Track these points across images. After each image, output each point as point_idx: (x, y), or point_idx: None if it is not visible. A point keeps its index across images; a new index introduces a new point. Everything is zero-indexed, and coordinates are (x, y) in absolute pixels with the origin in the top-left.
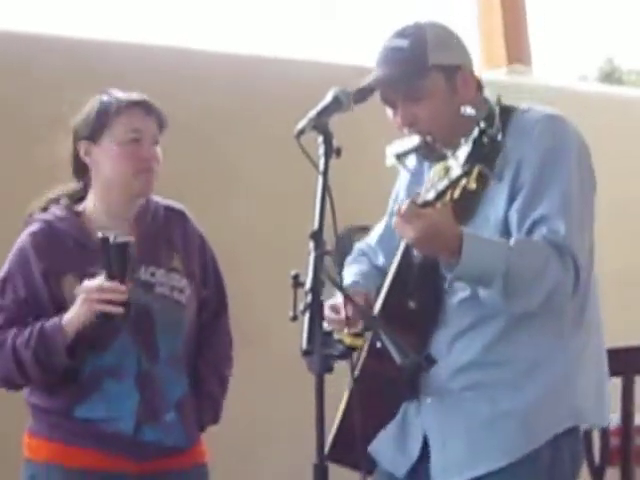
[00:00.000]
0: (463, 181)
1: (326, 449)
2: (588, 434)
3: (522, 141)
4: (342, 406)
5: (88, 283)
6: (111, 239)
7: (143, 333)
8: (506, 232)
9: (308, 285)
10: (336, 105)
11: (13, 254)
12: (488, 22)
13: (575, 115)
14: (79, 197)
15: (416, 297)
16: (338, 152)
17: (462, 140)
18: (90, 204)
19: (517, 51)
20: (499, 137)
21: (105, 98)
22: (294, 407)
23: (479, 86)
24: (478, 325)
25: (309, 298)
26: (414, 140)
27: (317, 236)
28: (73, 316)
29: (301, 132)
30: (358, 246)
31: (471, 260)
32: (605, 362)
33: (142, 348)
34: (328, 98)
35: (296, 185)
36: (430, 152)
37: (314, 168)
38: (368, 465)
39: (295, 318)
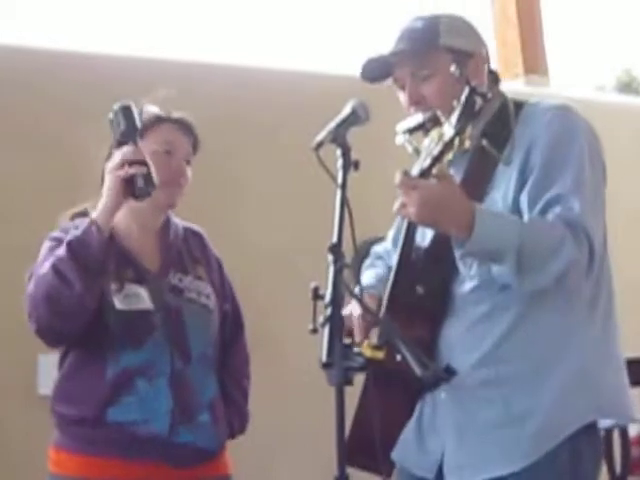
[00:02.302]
0: (456, 141)
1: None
2: (609, 442)
3: (531, 127)
4: (356, 410)
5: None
6: (114, 107)
7: (175, 333)
8: (516, 215)
9: (328, 298)
10: (354, 118)
11: (47, 240)
12: (504, 33)
13: (593, 125)
14: None
15: (423, 282)
16: (356, 165)
17: (454, 102)
18: (117, 214)
19: (534, 62)
20: (489, 95)
21: (143, 111)
22: (310, 417)
23: (496, 79)
24: (490, 317)
25: (329, 311)
26: (421, 116)
27: (336, 249)
28: (101, 205)
29: (320, 145)
30: (375, 249)
31: (484, 235)
32: (622, 355)
33: (174, 347)
34: (346, 110)
35: (309, 197)
36: (437, 128)
37: (332, 181)
38: (387, 467)
39: (315, 331)
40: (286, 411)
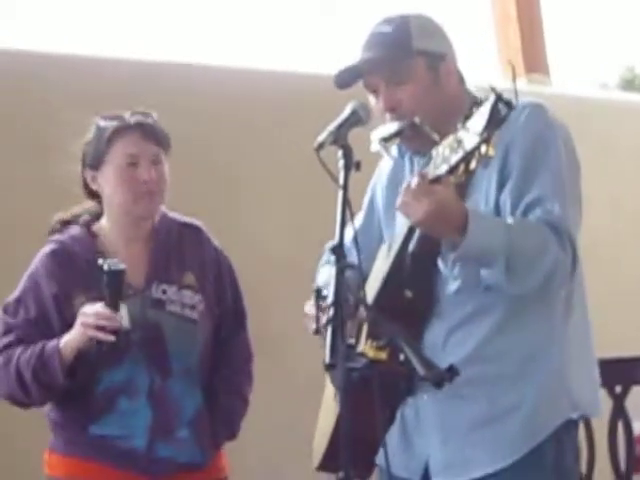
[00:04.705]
0: (482, 148)
1: (318, 460)
2: (613, 441)
3: (507, 126)
4: (332, 416)
5: (87, 307)
6: (105, 267)
7: (154, 349)
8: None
9: (330, 299)
10: (355, 118)
11: (27, 276)
12: (505, 33)
13: (596, 123)
14: (100, 213)
15: (412, 286)
16: (358, 166)
17: (458, 123)
18: (105, 224)
19: (535, 61)
20: (515, 103)
21: (102, 124)
22: (314, 418)
23: (462, 79)
24: (474, 318)
25: (331, 312)
26: (397, 125)
27: (338, 250)
28: (70, 339)
29: (321, 145)
30: (329, 246)
31: (475, 238)
32: (594, 353)
33: (153, 364)
34: (347, 111)
35: (310, 197)
36: (416, 135)
37: (334, 182)
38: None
39: (318, 332)
40: (290, 412)
